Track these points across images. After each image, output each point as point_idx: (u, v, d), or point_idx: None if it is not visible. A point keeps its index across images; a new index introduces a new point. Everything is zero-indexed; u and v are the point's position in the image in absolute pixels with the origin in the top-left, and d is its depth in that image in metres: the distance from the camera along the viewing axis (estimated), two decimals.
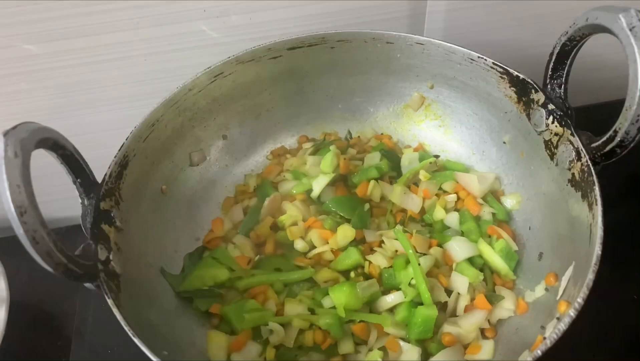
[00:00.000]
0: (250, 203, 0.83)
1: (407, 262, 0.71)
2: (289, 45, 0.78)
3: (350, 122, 0.88)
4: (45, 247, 0.51)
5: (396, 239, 0.74)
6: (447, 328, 0.69)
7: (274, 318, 0.70)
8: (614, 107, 0.61)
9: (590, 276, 0.55)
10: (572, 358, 0.71)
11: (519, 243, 0.76)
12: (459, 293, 0.71)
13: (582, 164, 0.64)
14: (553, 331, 0.54)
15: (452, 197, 0.79)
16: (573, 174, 0.65)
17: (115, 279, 0.62)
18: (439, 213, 0.78)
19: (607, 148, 0.62)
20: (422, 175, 0.81)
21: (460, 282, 0.71)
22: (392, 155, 0.84)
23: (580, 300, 0.54)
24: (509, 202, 0.79)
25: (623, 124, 0.59)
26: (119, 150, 0.68)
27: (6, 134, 0.50)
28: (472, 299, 0.71)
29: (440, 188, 0.81)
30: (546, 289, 0.68)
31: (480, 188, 0.79)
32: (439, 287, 0.71)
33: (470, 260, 0.74)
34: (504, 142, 0.79)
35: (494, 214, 0.78)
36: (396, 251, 0.74)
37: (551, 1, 0.87)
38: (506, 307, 0.70)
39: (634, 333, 0.76)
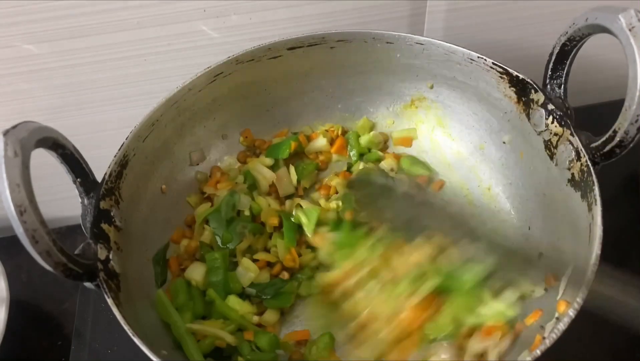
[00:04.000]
0: None
1: None
2: (289, 45, 0.78)
3: (349, 123, 0.88)
4: (44, 246, 0.51)
5: None
6: None
7: None
8: (614, 108, 0.61)
9: (590, 276, 0.55)
10: (572, 358, 0.71)
11: (518, 242, 0.76)
12: None
13: (581, 164, 0.64)
14: (552, 331, 0.54)
15: None
16: (573, 174, 0.65)
17: (114, 279, 0.62)
18: None
19: (607, 148, 0.62)
20: None
21: None
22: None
23: (579, 300, 0.54)
24: None
25: (622, 124, 0.59)
26: (119, 150, 0.68)
27: (6, 133, 0.50)
28: None
29: None
30: (545, 289, 0.67)
31: None
32: None
33: None
34: (504, 143, 0.79)
35: None
36: None
37: (551, 1, 0.87)
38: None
39: (634, 333, 0.76)
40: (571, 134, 0.66)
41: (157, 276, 0.74)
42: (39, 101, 0.82)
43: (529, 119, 0.72)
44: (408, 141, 0.87)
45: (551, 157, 0.70)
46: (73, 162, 0.62)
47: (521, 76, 0.71)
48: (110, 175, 0.66)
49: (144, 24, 0.78)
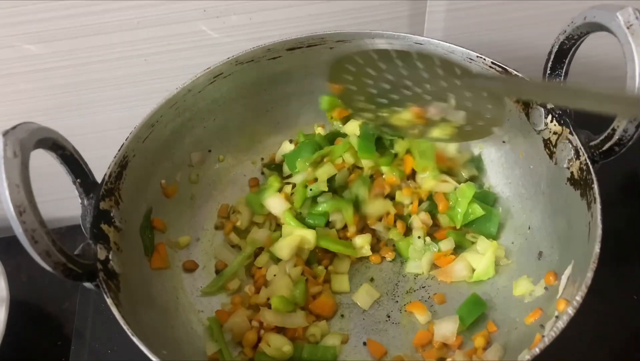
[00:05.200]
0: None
1: None
2: (289, 45, 0.78)
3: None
4: (44, 246, 0.51)
5: None
6: None
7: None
8: None
9: (589, 275, 0.55)
10: (572, 358, 0.71)
11: (518, 242, 0.76)
12: None
13: (580, 163, 0.64)
14: (551, 329, 0.54)
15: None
16: (572, 172, 0.65)
17: (114, 279, 0.62)
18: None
19: (606, 146, 0.62)
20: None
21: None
22: None
23: (578, 298, 0.54)
24: None
25: (621, 122, 0.59)
26: (119, 150, 0.68)
27: (5, 134, 0.50)
28: None
29: None
30: (545, 288, 0.68)
31: None
32: None
33: None
34: (503, 142, 0.79)
35: None
36: None
37: (551, 1, 0.87)
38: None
39: (634, 333, 0.76)
40: (570, 133, 0.66)
41: (147, 249, 0.73)
42: (39, 101, 0.82)
43: (528, 118, 0.72)
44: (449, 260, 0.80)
45: (550, 156, 0.70)
46: (73, 163, 0.62)
47: (520, 75, 0.71)
48: (110, 176, 0.66)
49: (144, 24, 0.78)
